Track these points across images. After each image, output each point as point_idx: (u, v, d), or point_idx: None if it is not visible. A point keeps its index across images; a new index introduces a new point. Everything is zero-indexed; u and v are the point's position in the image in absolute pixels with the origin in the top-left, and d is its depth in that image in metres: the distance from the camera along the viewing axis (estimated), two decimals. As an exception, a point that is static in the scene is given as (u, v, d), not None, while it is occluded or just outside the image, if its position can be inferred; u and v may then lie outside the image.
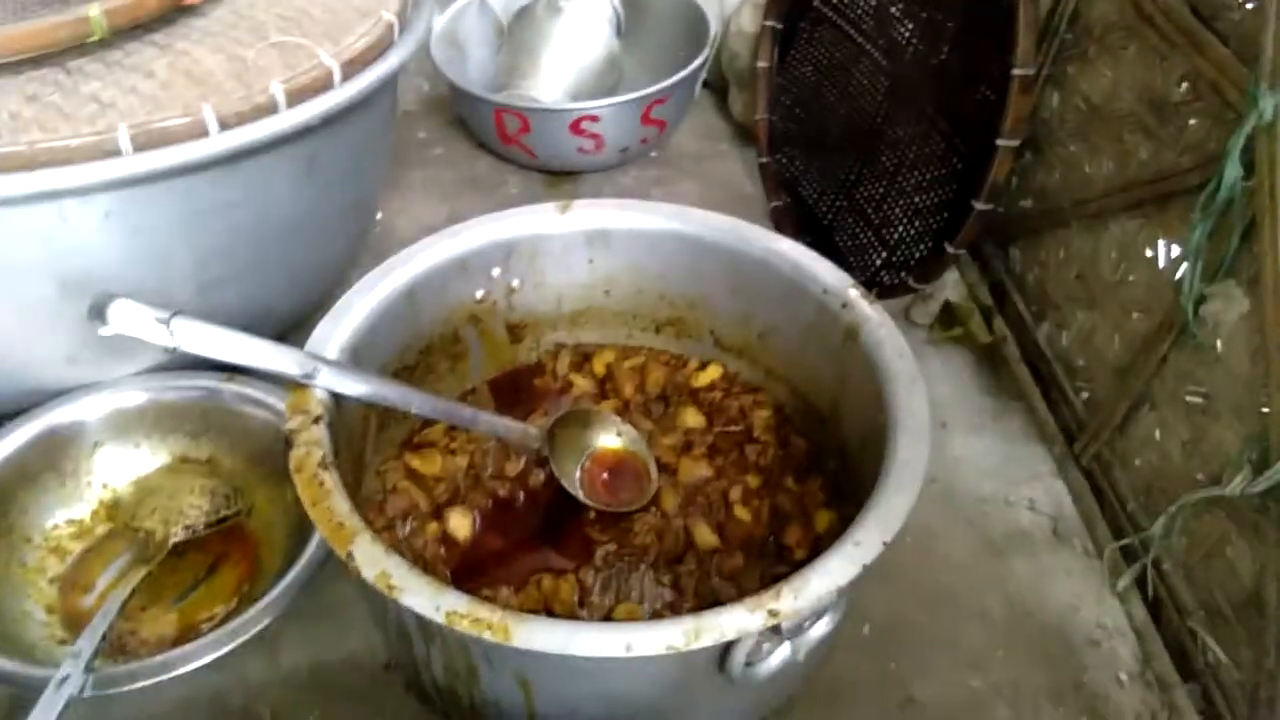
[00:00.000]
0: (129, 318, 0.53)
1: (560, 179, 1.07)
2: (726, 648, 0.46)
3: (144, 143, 0.58)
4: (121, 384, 0.68)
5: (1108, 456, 0.67)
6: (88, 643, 0.55)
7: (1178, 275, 0.60)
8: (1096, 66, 0.70)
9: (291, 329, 0.75)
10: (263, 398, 0.69)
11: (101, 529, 0.67)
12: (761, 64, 1.03)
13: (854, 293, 0.63)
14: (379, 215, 0.99)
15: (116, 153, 0.57)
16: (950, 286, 0.85)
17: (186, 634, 0.61)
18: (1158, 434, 0.62)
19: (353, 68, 0.66)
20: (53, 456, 0.67)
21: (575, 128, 0.99)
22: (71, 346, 0.65)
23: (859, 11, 0.91)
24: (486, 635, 0.44)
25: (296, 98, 0.63)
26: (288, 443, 0.52)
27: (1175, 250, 0.61)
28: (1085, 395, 0.70)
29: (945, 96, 0.81)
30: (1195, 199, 0.56)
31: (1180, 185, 0.60)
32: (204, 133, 0.59)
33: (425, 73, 1.20)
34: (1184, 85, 0.60)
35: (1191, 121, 0.60)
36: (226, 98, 0.60)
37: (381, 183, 0.88)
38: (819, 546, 0.61)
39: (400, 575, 0.47)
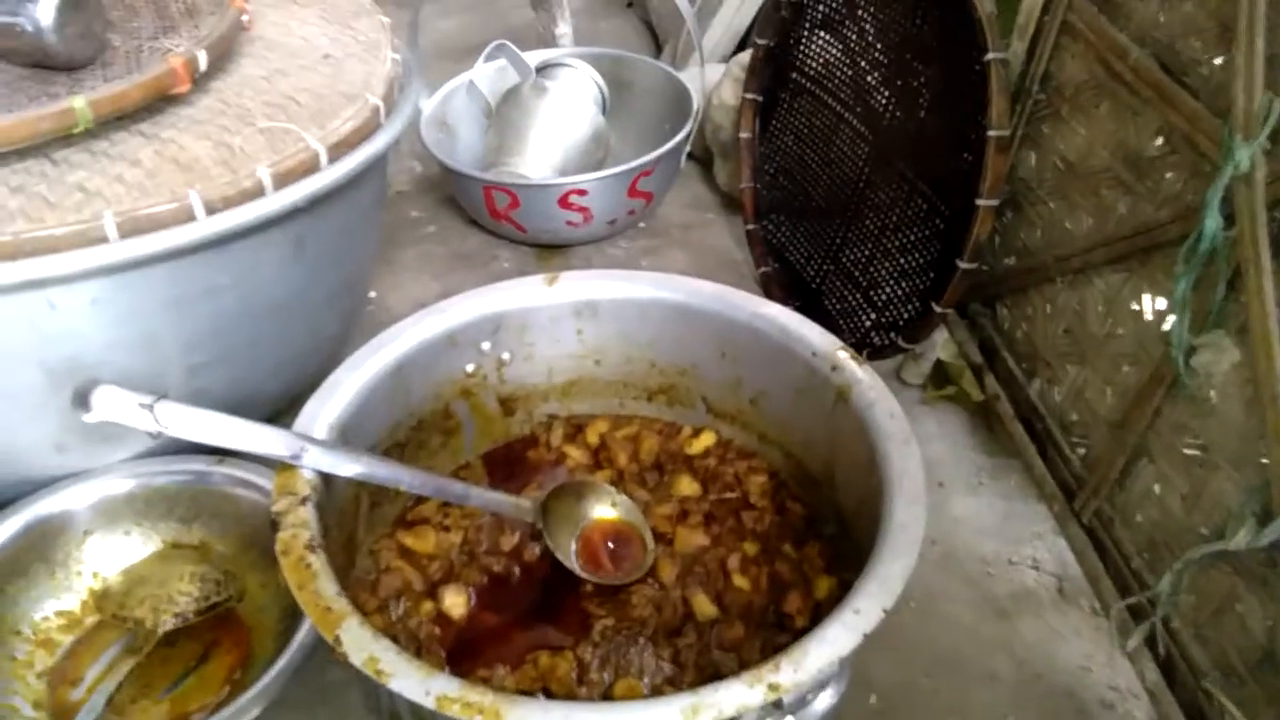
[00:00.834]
0: (113, 404, 0.53)
1: (550, 252, 1.08)
2: (727, 724, 0.44)
3: (130, 229, 0.58)
4: (110, 471, 0.68)
5: (1108, 512, 0.66)
6: (72, 739, 0.53)
7: (1166, 326, 0.60)
8: (1070, 125, 0.71)
9: (284, 409, 0.74)
10: (254, 479, 0.68)
11: (91, 620, 0.66)
12: (744, 135, 1.05)
13: (843, 355, 0.63)
14: (372, 294, 0.99)
15: (103, 240, 0.58)
16: (940, 346, 0.85)
17: (177, 726, 0.60)
18: (1157, 488, 0.61)
19: (339, 150, 0.67)
20: (42, 547, 0.66)
21: (564, 202, 1.01)
22: (60, 434, 0.64)
23: (836, 81, 0.93)
24: (478, 720, 0.43)
25: (283, 181, 0.63)
26: (274, 525, 0.52)
27: (1162, 302, 0.61)
28: (1081, 451, 0.70)
29: (925, 160, 0.82)
30: (1177, 251, 0.56)
31: (1161, 238, 0.60)
32: (190, 218, 0.60)
33: (417, 154, 1.22)
34: (1158, 139, 0.61)
35: (1168, 175, 0.61)
36: (213, 183, 0.61)
37: (373, 262, 0.89)
38: (820, 613, 0.60)
39: (389, 659, 0.45)
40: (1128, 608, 0.64)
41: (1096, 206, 0.68)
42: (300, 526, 0.52)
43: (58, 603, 0.66)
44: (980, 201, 0.73)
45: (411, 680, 0.44)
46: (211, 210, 0.61)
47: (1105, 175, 0.67)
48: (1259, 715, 0.54)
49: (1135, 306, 0.64)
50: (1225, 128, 0.52)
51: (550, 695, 0.57)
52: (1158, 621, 0.60)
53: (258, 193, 0.62)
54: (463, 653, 0.60)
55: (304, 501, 0.53)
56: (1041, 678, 0.64)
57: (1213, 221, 0.52)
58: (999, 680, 0.64)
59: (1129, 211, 0.64)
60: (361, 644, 0.46)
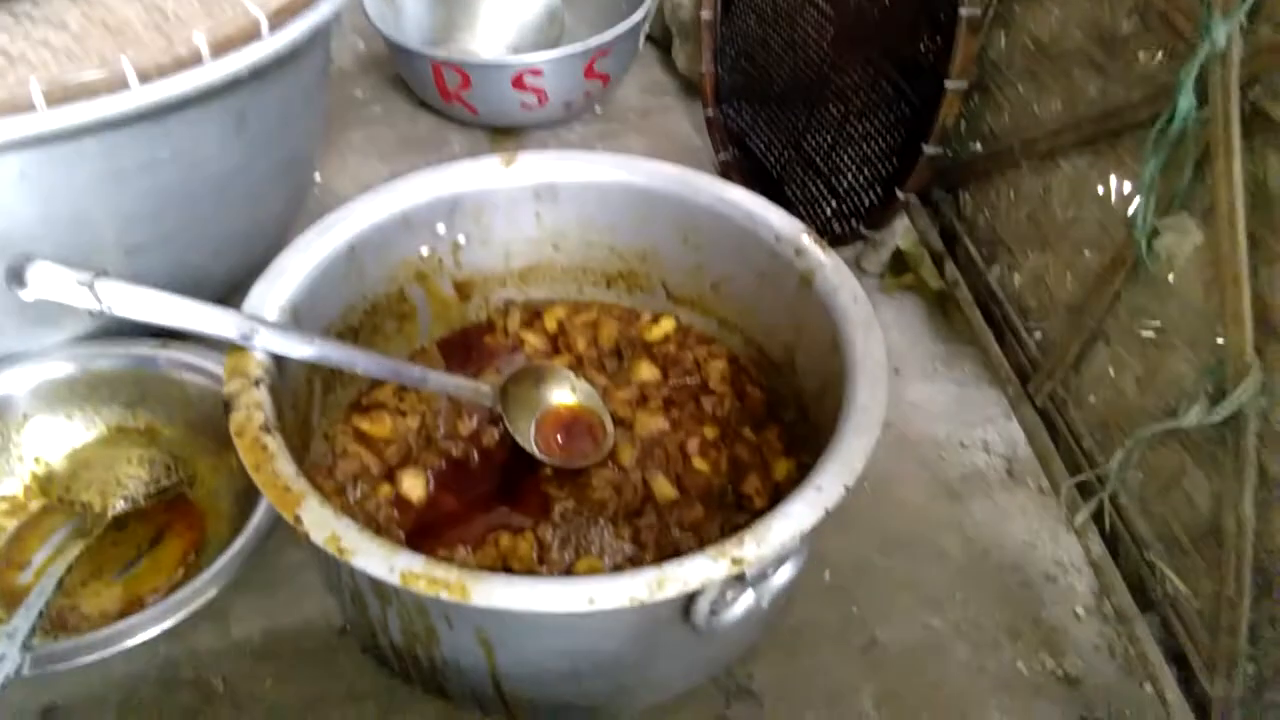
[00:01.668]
0: (50, 281, 0.50)
1: (504, 136, 1.05)
2: (690, 598, 0.45)
3: (58, 97, 0.54)
4: (49, 354, 0.65)
5: (1062, 395, 0.67)
6: (23, 620, 0.52)
7: (1130, 210, 0.60)
8: (1044, 4, 0.69)
9: (226, 295, 0.72)
10: (200, 363, 0.66)
11: (36, 504, 0.64)
12: (705, 15, 1.01)
13: (806, 239, 0.62)
14: (318, 177, 0.95)
15: (29, 108, 0.54)
16: (900, 234, 0.85)
17: (131, 608, 0.59)
18: (1112, 370, 0.62)
19: (280, 17, 0.63)
20: (-20, 432, 0.64)
21: (517, 82, 0.97)
22: (-7, 316, 0.61)
23: (803, -43, 0.90)
24: (444, 595, 0.43)
25: (221, 49, 0.59)
26: (227, 406, 0.50)
27: (1127, 186, 0.61)
28: (1038, 335, 0.71)
29: (891, 42, 0.80)
30: (1147, 133, 0.56)
31: (1131, 120, 0.60)
32: (123, 86, 0.56)
33: (360, 29, 1.16)
34: (1133, 18, 0.60)
35: (1141, 54, 0.60)
36: (145, 49, 0.57)
37: (318, 142, 0.85)
38: (778, 495, 0.61)
39: (351, 537, 0.45)
40: (1076, 486, 0.66)
41: (1066, 89, 0.67)
42: (254, 408, 0.50)
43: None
44: (948, 84, 0.71)
45: (375, 558, 0.44)
46: (145, 78, 0.57)
47: (1077, 56, 0.66)
48: (1199, 583, 0.57)
49: (1100, 191, 0.64)
50: (1204, 4, 0.51)
51: (511, 574, 0.57)
52: (1105, 498, 0.62)
53: (194, 60, 0.58)
54: (423, 535, 0.60)
55: (257, 383, 0.52)
56: (989, 554, 0.66)
57: (1186, 101, 0.52)
58: (948, 557, 0.66)
59: (1099, 93, 0.64)
60: (323, 522, 0.45)
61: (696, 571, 0.44)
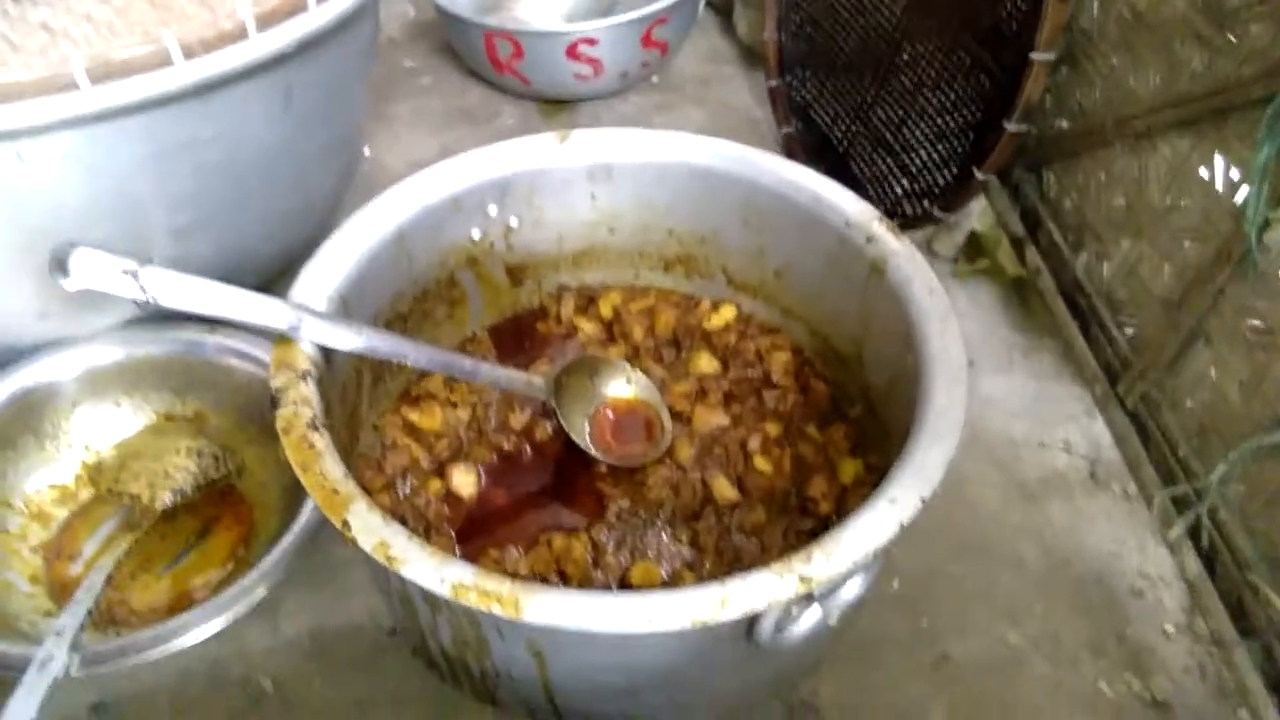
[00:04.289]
0: (93, 269, 0.48)
1: (557, 108, 1.01)
2: (755, 615, 0.42)
3: (101, 74, 0.52)
4: (96, 339, 0.64)
5: (1156, 396, 0.62)
6: (71, 619, 0.51)
7: (1238, 199, 0.55)
8: (1143, -32, 0.64)
9: (276, 277, 0.70)
10: (249, 350, 0.65)
11: (86, 493, 0.64)
12: (769, -22, 0.96)
13: (879, 225, 0.58)
14: (366, 152, 0.93)
15: (72, 86, 0.52)
16: (976, 215, 0.80)
17: (179, 601, 0.59)
18: (1213, 372, 0.58)
19: (328, -12, 0.60)
20: (29, 418, 0.63)
21: (572, 52, 0.93)
22: (40, 300, 0.60)
23: (876, -83, 0.85)
24: (495, 609, 0.41)
25: (267, 22, 0.57)
26: (273, 402, 0.48)
27: (1235, 172, 0.56)
28: (1130, 331, 0.66)
29: (971, 7, 0.75)
30: (1260, 114, 0.51)
31: (1241, 98, 0.54)
32: (167, 62, 0.54)
33: (410, -4, 1.13)
34: (1246, -14, 0.55)
35: (1254, 27, 0.54)
36: (190, 23, 0.55)
37: (367, 116, 0.83)
38: (845, 498, 0.58)
39: (401, 545, 0.43)
40: (1170, 495, 0.62)
41: (1167, 62, 0.61)
42: (302, 403, 0.49)
43: (49, 475, 0.63)
44: (1034, 55, 0.66)
45: (425, 567, 0.42)
46: (189, 54, 0.55)
47: (1180, 26, 0.60)
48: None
49: (1204, 175, 0.58)
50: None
51: (565, 578, 0.55)
52: (1203, 511, 0.57)
53: (239, 35, 0.56)
54: (473, 532, 0.58)
55: (304, 377, 0.50)
56: (1069, 563, 0.63)
57: (1310, 80, 0.47)
58: (1025, 566, 0.63)
59: (1205, 68, 0.58)
60: (371, 528, 0.44)
61: (762, 590, 0.42)
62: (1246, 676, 0.54)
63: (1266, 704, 0.54)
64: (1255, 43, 0.55)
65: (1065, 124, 0.71)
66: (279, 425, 0.48)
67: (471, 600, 0.41)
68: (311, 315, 0.51)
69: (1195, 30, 0.59)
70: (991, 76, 0.73)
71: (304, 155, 0.68)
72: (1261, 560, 0.55)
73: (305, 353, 0.51)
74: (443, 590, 0.41)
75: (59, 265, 0.48)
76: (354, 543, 0.43)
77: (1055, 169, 0.73)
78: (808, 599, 0.43)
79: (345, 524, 0.44)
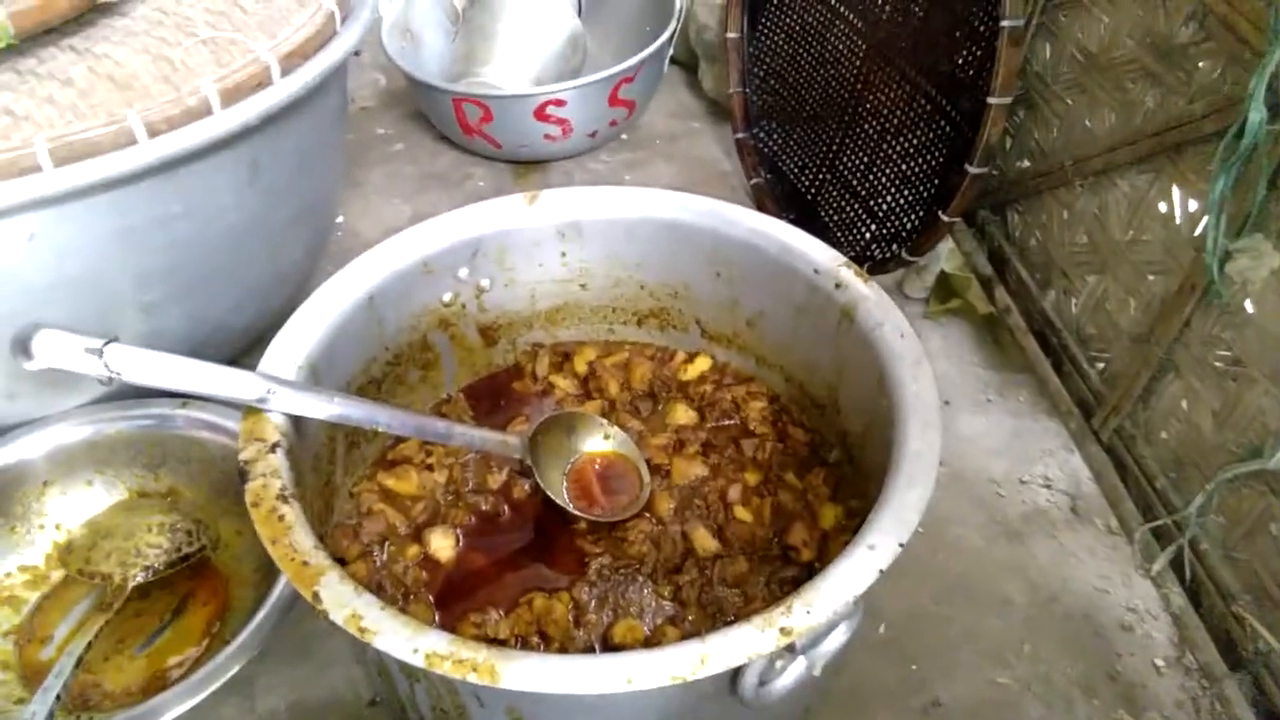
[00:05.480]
0: (57, 349, 0.48)
1: (528, 169, 1.02)
2: (737, 670, 0.42)
3: (65, 156, 0.53)
4: (66, 418, 0.63)
5: (1130, 430, 0.63)
6: (40, 705, 0.50)
7: (1198, 231, 0.56)
8: (1091, 12, 0.65)
9: (250, 347, 0.70)
10: (222, 423, 0.64)
11: (57, 574, 0.62)
12: (731, 35, 0.98)
13: (847, 271, 0.59)
14: (340, 218, 0.94)
15: (35, 169, 0.52)
16: (945, 257, 0.81)
17: (155, 682, 0.57)
18: (1185, 404, 0.58)
19: (292, 61, 0.61)
20: (-1, 500, 0.62)
21: (540, 114, 0.95)
22: (8, 381, 0.60)
23: (831, -29, 0.87)
24: (472, 678, 0.40)
25: (232, 97, 0.58)
26: (242, 475, 0.48)
27: (1193, 204, 0.57)
28: (1100, 365, 0.66)
29: (928, 56, 0.77)
30: (1213, 147, 0.52)
31: (1194, 133, 0.55)
32: (131, 141, 0.54)
33: (380, 66, 1.15)
34: (1191, 25, 0.56)
35: (1202, 64, 0.56)
36: (154, 102, 0.55)
37: (339, 184, 0.83)
38: (827, 544, 0.57)
39: (373, 616, 0.42)
40: (1150, 528, 0.61)
41: (1121, 101, 0.63)
42: (271, 475, 0.48)
43: (19, 558, 0.62)
44: (991, 100, 0.67)
45: (398, 638, 0.42)
46: (154, 132, 0.55)
47: (1130, 66, 0.62)
48: (1295, 640, 0.52)
49: (1163, 209, 0.59)
50: (1273, 9, 0.47)
51: (546, 638, 0.54)
52: (1185, 543, 0.57)
53: (204, 111, 0.57)
54: (453, 596, 0.57)
55: (274, 448, 0.50)
56: (1056, 600, 0.62)
57: (1257, 114, 0.48)
58: (1012, 605, 0.62)
59: (1157, 105, 0.59)
60: (342, 600, 0.43)
61: (742, 644, 0.41)
62: (1239, 710, 0.53)
63: (1261, 737, 0.53)
64: (1204, 78, 0.56)
65: (1026, 164, 0.72)
66: (248, 499, 0.47)
67: (446, 669, 0.40)
68: (281, 385, 0.51)
69: (1146, 69, 0.60)
70: (952, 121, 0.74)
71: (273, 226, 0.68)
72: (1245, 591, 0.54)
73: (275, 423, 0.50)
74: (416, 660, 0.41)
75: (21, 347, 0.49)
76: (325, 615, 0.42)
77: (1019, 209, 0.74)
78: (790, 651, 0.42)
79: (316, 596, 0.43)
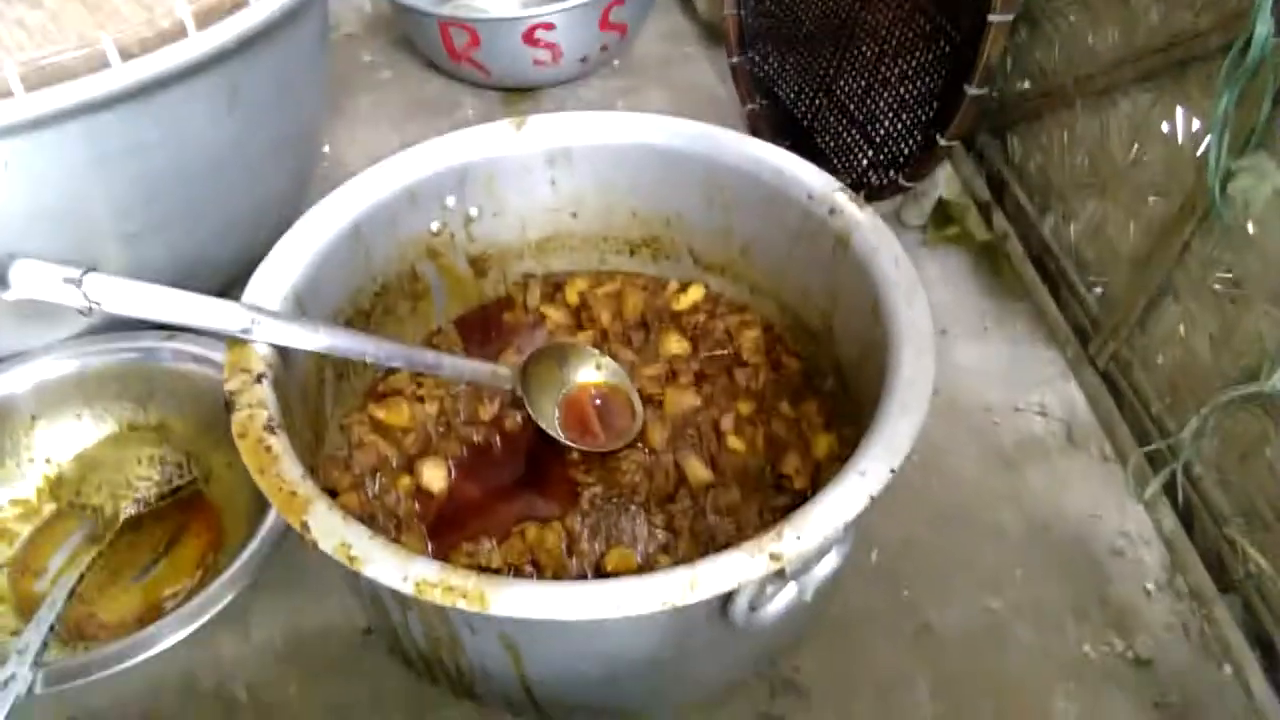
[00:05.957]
0: (34, 279, 0.47)
1: (518, 96, 1.00)
2: (728, 595, 0.42)
3: (36, 81, 0.51)
4: (51, 351, 0.63)
5: (1127, 355, 0.62)
6: (34, 636, 0.50)
7: (1200, 151, 0.55)
8: (1096, -76, 0.63)
9: (235, 280, 0.68)
10: (208, 354, 0.63)
11: (49, 508, 0.62)
12: (726, -46, 0.95)
13: (842, 197, 0.57)
14: (325, 148, 0.92)
15: (7, 94, 0.51)
16: (943, 183, 0.79)
17: (150, 613, 0.58)
18: (1183, 328, 0.57)
19: (268, -20, 0.59)
20: (-14, 434, 0.62)
21: (529, 38, 0.92)
22: (-12, 315, 0.59)
23: (828, -115, 0.84)
24: (461, 604, 0.40)
25: (207, 19, 0.56)
26: (228, 406, 0.47)
27: (1196, 123, 0.55)
28: (1099, 291, 0.65)
29: (928, -28, 0.74)
30: (1218, 64, 0.50)
31: (1199, 49, 0.54)
32: (104, 65, 0.53)
33: (364, -10, 1.12)
34: (1199, -65, 0.54)
35: (1209, -24, 0.54)
36: (126, 24, 0.54)
37: (323, 112, 0.81)
38: (820, 473, 0.57)
39: (362, 545, 0.42)
40: (1145, 455, 0.61)
41: (1124, 17, 0.61)
42: (257, 406, 0.48)
43: (11, 491, 0.62)
44: (992, 17, 0.65)
45: (387, 566, 0.42)
46: (127, 56, 0.54)
47: (1135, -20, 0.60)
48: (1285, 561, 0.52)
49: (1165, 129, 0.58)
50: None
51: (539, 568, 0.55)
52: (1178, 468, 0.57)
53: (178, 34, 0.55)
54: (445, 527, 0.57)
55: (259, 379, 0.49)
56: (1049, 528, 0.62)
57: (1264, 26, 0.46)
58: (1005, 532, 0.62)
59: (1162, 20, 0.57)
60: (331, 529, 0.43)
61: (732, 570, 0.41)
62: (1228, 632, 0.54)
63: (1249, 658, 0.53)
64: (1210, -8, 0.54)
65: (1026, 86, 0.70)
66: (234, 429, 0.47)
67: (436, 597, 0.40)
68: (265, 316, 0.50)
69: (1150, -18, 0.59)
70: (951, 41, 0.72)
71: (255, 155, 0.66)
72: (1238, 514, 0.54)
73: (260, 354, 0.50)
74: (406, 588, 0.41)
75: (-2, 277, 0.47)
76: (314, 545, 0.42)
77: (1018, 132, 0.72)
78: (780, 577, 0.42)
79: (304, 525, 0.43)
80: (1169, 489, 0.59)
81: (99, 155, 0.56)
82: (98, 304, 0.47)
